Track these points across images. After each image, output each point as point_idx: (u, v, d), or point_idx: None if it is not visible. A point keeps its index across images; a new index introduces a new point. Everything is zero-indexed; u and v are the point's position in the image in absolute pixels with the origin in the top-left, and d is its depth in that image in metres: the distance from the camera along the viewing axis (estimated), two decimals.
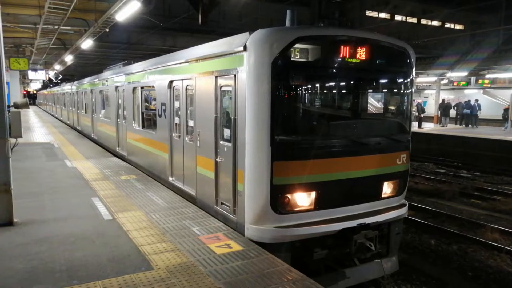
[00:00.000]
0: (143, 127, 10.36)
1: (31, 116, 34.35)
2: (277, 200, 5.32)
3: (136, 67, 10.99)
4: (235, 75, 5.66)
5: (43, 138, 17.86)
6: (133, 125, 10.94)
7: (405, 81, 6.45)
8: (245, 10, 24.33)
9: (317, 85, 6.12)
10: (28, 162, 11.34)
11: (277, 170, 5.26)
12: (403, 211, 6.37)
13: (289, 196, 5.38)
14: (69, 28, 16.49)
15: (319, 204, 5.55)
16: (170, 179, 8.37)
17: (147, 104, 10.49)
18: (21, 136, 6.22)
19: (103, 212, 6.65)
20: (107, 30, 14.46)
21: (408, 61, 6.32)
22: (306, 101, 5.99)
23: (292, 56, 5.26)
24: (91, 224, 6.04)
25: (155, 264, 4.66)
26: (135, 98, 10.80)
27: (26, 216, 6.36)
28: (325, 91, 6.32)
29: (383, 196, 6.21)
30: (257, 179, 5.35)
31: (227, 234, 5.66)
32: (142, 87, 10.28)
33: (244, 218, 5.56)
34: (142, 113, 10.39)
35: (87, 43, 16.75)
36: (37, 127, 23.49)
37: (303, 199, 5.48)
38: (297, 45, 5.24)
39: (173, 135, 8.22)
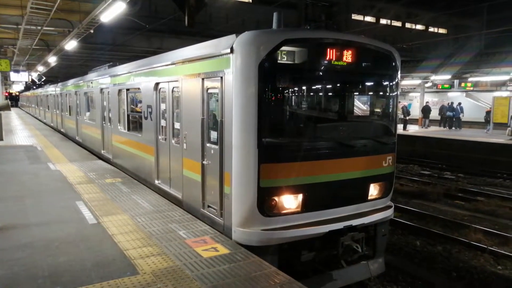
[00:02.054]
0: (128, 129, 10.25)
1: (14, 119, 33.66)
2: (264, 203, 5.30)
3: (122, 69, 10.87)
4: (221, 77, 5.62)
5: (26, 140, 17.49)
6: (119, 127, 10.81)
7: (391, 83, 6.52)
8: (232, 12, 24.36)
9: (304, 87, 6.14)
10: (10, 165, 11.09)
11: (264, 172, 5.25)
12: (389, 213, 6.43)
13: (276, 198, 5.37)
14: (52, 29, 16.24)
15: (306, 206, 5.56)
16: (156, 182, 8.28)
17: (132, 106, 10.37)
18: (2, 139, 6.08)
19: (88, 216, 6.53)
20: (91, 31, 14.27)
21: (394, 64, 6.39)
22: (293, 104, 6.00)
23: (279, 58, 5.26)
24: (75, 228, 5.93)
25: (140, 268, 4.59)
26: (121, 100, 10.67)
27: (8, 221, 6.21)
28: (311, 93, 6.35)
29: (369, 198, 6.26)
30: (244, 181, 5.32)
31: (214, 238, 5.62)
32: (127, 89, 10.18)
33: (231, 221, 5.52)
34: (128, 116, 10.28)
35: (71, 44, 16.50)
36: (19, 130, 23.01)
37: (290, 201, 5.48)
38: (284, 48, 5.23)
39: (159, 137, 8.13)
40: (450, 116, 27.67)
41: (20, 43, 18.56)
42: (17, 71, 28.10)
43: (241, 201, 5.38)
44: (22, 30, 15.34)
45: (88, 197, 7.73)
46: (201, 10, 7.12)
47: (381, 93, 6.75)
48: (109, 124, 11.86)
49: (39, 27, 14.64)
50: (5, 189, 8.26)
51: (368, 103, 6.82)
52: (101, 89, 12.45)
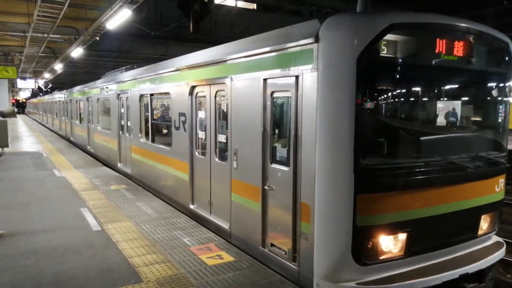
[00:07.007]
0: (153, 141, 9.04)
1: (20, 125, 33.93)
2: (362, 247, 3.99)
3: (144, 71, 9.72)
4: (297, 77, 4.35)
5: (32, 147, 17.62)
6: (140, 138, 9.69)
7: (506, 84, 5.07)
8: (237, 19, 24.41)
9: (417, 90, 4.66)
10: (15, 172, 11.14)
11: (363, 206, 3.93)
12: (503, 251, 5.00)
13: (376, 240, 4.06)
14: (59, 36, 16.36)
15: (411, 250, 4.23)
16: (191, 206, 7.09)
17: (157, 113, 9.33)
18: (7, 146, 6.11)
19: (92, 223, 6.52)
20: (97, 38, 14.36)
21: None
22: (402, 113, 4.59)
23: (383, 50, 3.90)
24: (79, 235, 5.92)
25: (144, 276, 4.55)
26: (143, 107, 9.53)
27: (13, 228, 6.21)
28: (425, 99, 4.83)
29: (479, 233, 4.87)
30: (333, 218, 4.04)
31: (218, 245, 5.58)
32: (151, 94, 8.98)
33: (312, 270, 4.21)
34: (152, 125, 9.11)
35: (77, 52, 16.61)
36: (25, 136, 23.18)
37: (393, 243, 4.18)
38: (388, 36, 3.86)
39: (195, 152, 6.95)
40: None
41: (27, 50, 18.76)
42: (24, 78, 28.40)
43: (328, 245, 4.09)
44: (29, 38, 15.51)
45: (93, 204, 7.72)
46: (206, 17, 7.09)
47: (498, 97, 5.17)
48: (127, 134, 10.77)
49: (45, 35, 14.79)
50: (11, 195, 8.28)
51: (485, 111, 5.26)
52: (118, 95, 11.42)
